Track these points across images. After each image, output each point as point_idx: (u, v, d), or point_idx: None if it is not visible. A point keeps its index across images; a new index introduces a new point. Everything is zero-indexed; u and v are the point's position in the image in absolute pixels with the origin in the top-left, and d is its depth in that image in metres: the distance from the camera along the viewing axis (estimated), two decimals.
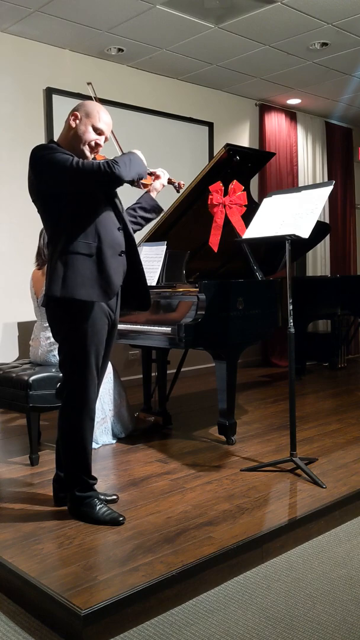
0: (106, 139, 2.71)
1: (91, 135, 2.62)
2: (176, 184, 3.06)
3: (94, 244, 2.56)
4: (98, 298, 2.56)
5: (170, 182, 3.03)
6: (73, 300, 2.53)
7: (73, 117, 2.63)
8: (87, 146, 2.63)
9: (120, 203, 2.77)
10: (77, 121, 2.62)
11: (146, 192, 2.96)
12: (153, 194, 2.97)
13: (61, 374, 3.29)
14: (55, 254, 2.58)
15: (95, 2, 4.43)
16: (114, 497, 2.86)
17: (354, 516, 2.88)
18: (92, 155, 2.67)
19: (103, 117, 2.66)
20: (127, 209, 2.89)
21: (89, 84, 3.02)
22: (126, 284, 2.74)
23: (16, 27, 4.86)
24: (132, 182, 2.67)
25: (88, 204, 2.58)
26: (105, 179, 2.50)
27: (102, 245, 2.58)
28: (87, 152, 2.64)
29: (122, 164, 2.52)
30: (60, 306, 2.58)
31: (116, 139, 2.76)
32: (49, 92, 5.24)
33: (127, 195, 2.98)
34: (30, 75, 5.15)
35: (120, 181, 2.54)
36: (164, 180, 2.97)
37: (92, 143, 2.63)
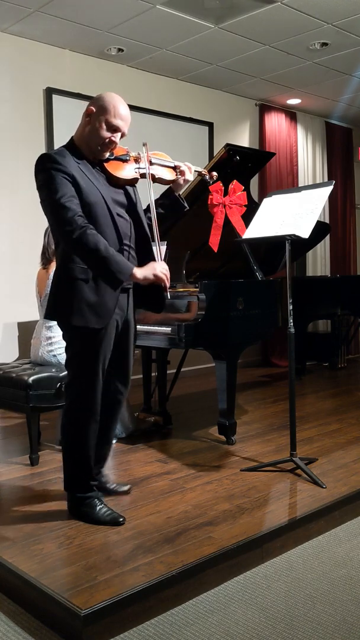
0: (123, 135, 2.53)
1: (104, 133, 2.47)
2: (207, 176, 2.90)
3: (89, 270, 2.46)
4: (93, 324, 2.48)
5: (200, 174, 2.90)
6: (71, 327, 2.52)
7: (87, 112, 2.49)
8: (100, 145, 2.50)
9: (139, 213, 2.66)
10: (92, 116, 2.48)
11: (168, 188, 2.79)
12: (177, 190, 2.79)
13: (65, 373, 3.33)
14: (57, 272, 2.56)
15: (95, 2, 4.43)
16: (127, 487, 2.93)
17: (354, 516, 2.88)
18: (108, 154, 2.56)
19: (120, 111, 2.47)
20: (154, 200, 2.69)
21: (144, 145, 2.67)
22: (143, 285, 2.63)
23: (16, 27, 4.86)
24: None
25: (95, 226, 2.44)
26: (65, 236, 2.39)
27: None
28: (101, 151, 2.52)
29: (93, 246, 2.34)
30: (61, 328, 2.62)
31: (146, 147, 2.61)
32: (49, 92, 5.24)
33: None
34: (30, 75, 5.15)
35: (71, 249, 2.42)
36: (188, 176, 2.77)
37: (106, 141, 2.49)
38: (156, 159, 2.73)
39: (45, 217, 2.56)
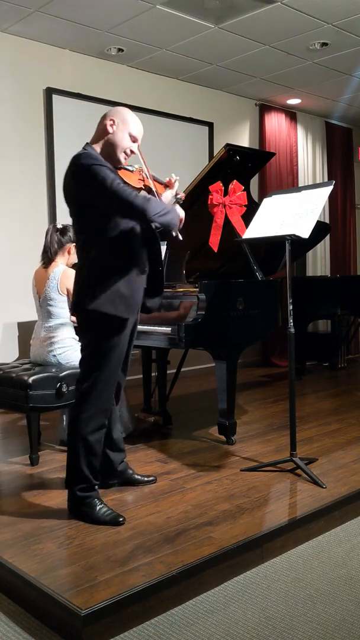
0: (138, 146, 2.78)
1: (127, 143, 2.69)
2: (179, 196, 3.03)
3: (123, 262, 2.64)
4: (123, 314, 2.64)
5: (176, 193, 3.03)
6: (100, 314, 2.61)
7: (111, 123, 2.67)
8: (123, 153, 2.70)
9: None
10: (115, 127, 2.67)
11: None
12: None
13: (65, 373, 3.40)
14: (86, 264, 2.64)
15: (95, 2, 4.43)
16: (153, 477, 3.09)
17: (354, 516, 2.88)
18: (125, 162, 2.74)
19: (137, 124, 2.73)
20: None
21: (137, 150, 2.83)
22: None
23: (16, 27, 4.86)
24: (156, 229, 2.69)
25: (124, 223, 2.63)
26: (134, 214, 2.56)
27: (130, 264, 2.66)
28: (122, 159, 2.72)
29: (157, 209, 2.57)
30: (88, 316, 2.65)
31: (140, 150, 2.79)
32: (49, 92, 5.24)
33: None
34: (30, 75, 5.15)
35: (146, 222, 2.60)
36: (174, 190, 2.98)
37: (128, 150, 2.71)
38: (153, 174, 2.93)
39: (71, 216, 2.68)
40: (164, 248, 3.97)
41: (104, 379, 2.65)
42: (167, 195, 2.96)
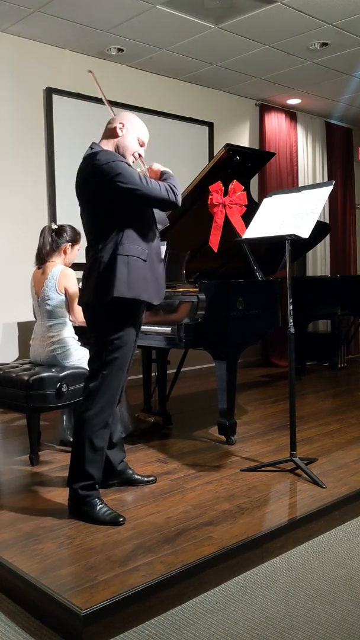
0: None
1: (136, 146, 2.79)
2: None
3: (146, 250, 2.70)
4: (155, 299, 2.74)
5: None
6: (134, 301, 2.66)
7: (120, 126, 2.74)
8: (131, 156, 2.78)
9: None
10: (125, 130, 2.75)
11: None
12: None
13: (66, 373, 3.40)
14: (107, 255, 2.64)
15: (95, 2, 4.43)
16: (153, 477, 3.09)
17: (354, 516, 2.88)
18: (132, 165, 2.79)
19: (145, 129, 2.83)
20: None
21: (89, 71, 3.12)
22: None
23: (16, 27, 4.86)
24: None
25: (143, 212, 2.73)
26: (167, 205, 2.72)
27: (151, 251, 2.73)
28: (131, 162, 2.76)
29: (178, 187, 2.72)
30: (112, 306, 2.65)
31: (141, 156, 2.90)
32: (49, 92, 5.24)
33: None
34: (30, 75, 5.15)
35: (176, 209, 2.83)
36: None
37: (136, 154, 2.80)
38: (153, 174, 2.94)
39: (82, 215, 2.75)
40: (163, 248, 3.96)
41: (112, 377, 2.67)
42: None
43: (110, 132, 2.77)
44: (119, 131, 2.75)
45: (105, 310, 2.67)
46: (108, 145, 2.75)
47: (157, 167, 2.89)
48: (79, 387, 3.38)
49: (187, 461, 3.43)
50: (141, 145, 2.83)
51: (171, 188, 2.68)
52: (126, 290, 2.62)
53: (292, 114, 7.20)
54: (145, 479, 3.08)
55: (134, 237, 2.67)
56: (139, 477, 3.07)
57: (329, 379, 6.08)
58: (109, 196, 2.62)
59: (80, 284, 2.84)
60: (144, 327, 3.72)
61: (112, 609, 1.99)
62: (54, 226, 3.60)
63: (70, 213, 4.20)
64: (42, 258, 3.57)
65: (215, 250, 4.03)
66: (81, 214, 2.77)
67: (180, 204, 2.74)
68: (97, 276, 2.66)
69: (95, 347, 2.73)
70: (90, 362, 2.77)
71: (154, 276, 2.74)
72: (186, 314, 3.62)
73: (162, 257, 2.87)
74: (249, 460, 3.43)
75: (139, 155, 2.81)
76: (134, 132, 2.78)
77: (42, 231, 3.60)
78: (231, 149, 4.07)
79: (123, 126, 2.75)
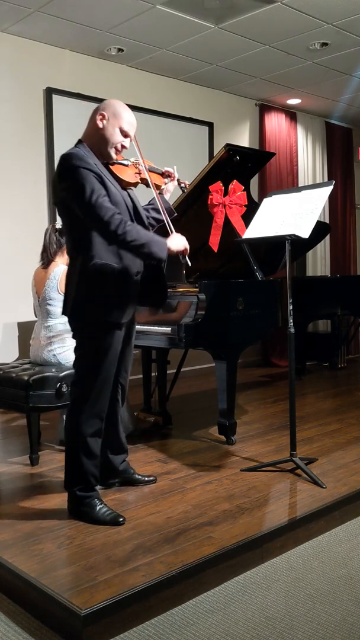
0: (131, 140, 2.70)
1: (118, 138, 2.62)
2: (182, 184, 3.05)
3: (115, 265, 2.57)
4: (118, 318, 2.60)
5: (178, 182, 3.02)
6: (93, 319, 2.58)
7: (100, 117, 2.60)
8: (113, 149, 2.63)
9: (141, 213, 2.76)
10: (105, 121, 2.60)
11: (159, 194, 2.90)
12: (166, 196, 2.96)
13: (65, 373, 3.38)
14: (76, 269, 2.58)
15: (95, 2, 4.43)
16: (153, 477, 3.07)
17: (354, 516, 2.88)
18: (116, 157, 2.68)
19: (129, 118, 2.64)
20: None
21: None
22: (144, 281, 2.75)
23: (16, 27, 4.86)
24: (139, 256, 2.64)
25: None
26: (107, 234, 2.49)
27: (122, 266, 2.59)
28: (113, 154, 2.65)
29: (134, 237, 2.49)
30: (80, 321, 2.63)
31: (137, 141, 2.72)
32: (49, 92, 5.24)
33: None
34: (30, 75, 5.15)
35: (116, 243, 2.52)
36: (175, 181, 2.96)
37: (119, 145, 2.63)
38: (149, 166, 2.86)
39: (59, 216, 2.63)
40: None
41: (98, 381, 2.62)
42: (169, 187, 2.94)
43: (92, 125, 2.63)
44: (98, 122, 2.59)
45: (76, 321, 2.66)
46: (90, 140, 2.62)
47: (169, 189, 2.88)
48: None
49: (187, 461, 3.43)
50: (125, 136, 2.64)
51: (121, 225, 2.45)
52: (84, 311, 2.57)
53: (292, 114, 7.20)
54: (146, 478, 3.07)
55: (101, 249, 2.54)
56: (140, 477, 3.07)
57: (329, 379, 6.08)
58: (69, 202, 2.52)
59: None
60: (144, 327, 3.73)
61: (112, 609, 1.99)
62: (58, 225, 3.61)
63: None
64: (49, 257, 3.58)
65: (215, 250, 4.03)
66: None
67: (125, 245, 2.50)
68: (66, 288, 2.65)
69: (76, 352, 2.69)
70: (74, 366, 2.73)
71: (124, 293, 2.60)
72: (186, 314, 3.62)
73: (140, 269, 2.68)
74: (249, 460, 3.43)
75: (122, 146, 2.65)
76: (116, 122, 2.60)
77: (47, 231, 3.62)
78: (231, 149, 4.06)
79: (103, 117, 2.59)
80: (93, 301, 2.56)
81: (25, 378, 3.32)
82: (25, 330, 5.06)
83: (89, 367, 2.63)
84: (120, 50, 5.32)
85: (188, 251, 2.75)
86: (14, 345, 5.12)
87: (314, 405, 4.85)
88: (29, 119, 5.16)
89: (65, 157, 2.52)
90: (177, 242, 2.70)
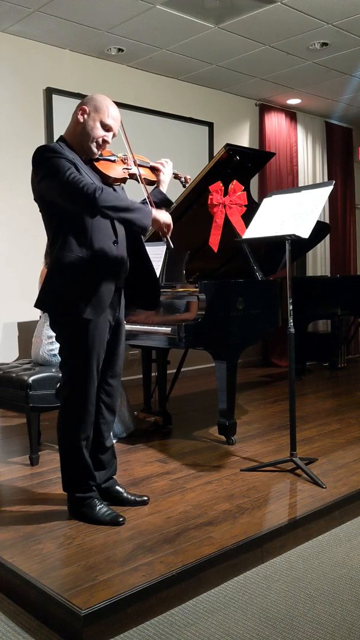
0: (114, 135, 2.64)
1: (99, 132, 2.55)
2: (182, 178, 2.99)
3: (87, 257, 2.49)
4: (89, 314, 2.49)
5: (176, 176, 2.96)
6: (65, 315, 2.52)
7: (81, 112, 2.55)
8: (94, 143, 2.57)
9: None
10: (85, 116, 2.54)
11: (155, 187, 2.83)
12: (163, 188, 2.83)
13: (61, 374, 3.31)
14: (52, 263, 2.55)
15: (95, 2, 4.43)
16: (146, 497, 2.82)
17: (354, 516, 2.88)
18: (99, 152, 2.62)
19: (112, 112, 2.57)
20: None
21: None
22: (133, 282, 2.71)
23: (16, 27, 4.86)
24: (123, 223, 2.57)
25: (82, 216, 2.49)
26: (86, 203, 2.38)
27: (95, 259, 2.51)
28: (95, 149, 2.58)
29: (114, 201, 2.41)
30: (54, 317, 2.59)
31: (125, 135, 2.65)
32: (49, 92, 5.24)
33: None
34: (30, 75, 5.15)
35: (94, 211, 2.40)
36: (168, 169, 2.83)
37: (100, 140, 2.57)
38: (139, 160, 2.78)
39: (41, 209, 2.57)
40: (163, 248, 3.97)
41: (84, 382, 2.56)
42: (164, 178, 2.81)
43: (72, 120, 2.58)
44: (79, 117, 2.54)
45: (51, 319, 2.60)
46: (71, 136, 2.57)
47: (165, 181, 2.78)
48: None
49: (187, 461, 3.43)
50: (107, 130, 2.56)
51: (95, 189, 2.35)
52: (54, 305, 2.52)
53: (292, 114, 7.20)
54: (137, 499, 2.79)
55: (72, 242, 2.48)
56: (130, 496, 2.80)
57: (329, 379, 6.08)
58: (46, 195, 2.47)
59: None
60: (144, 327, 3.73)
61: (112, 609, 1.99)
62: None
63: None
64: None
65: (215, 250, 4.03)
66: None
67: (100, 208, 2.39)
68: (47, 281, 2.57)
69: (60, 354, 2.66)
70: (60, 368, 2.68)
71: (96, 288, 2.50)
72: (186, 314, 3.62)
73: (124, 267, 2.61)
74: (249, 460, 3.43)
75: (104, 141, 2.57)
76: (97, 116, 2.53)
77: None
78: (231, 149, 4.06)
79: (84, 112, 2.53)
80: (62, 294, 2.50)
81: (25, 378, 3.32)
82: (25, 330, 5.06)
83: (73, 369, 2.58)
84: (120, 50, 5.32)
85: (171, 230, 2.65)
86: (14, 345, 5.12)
87: (314, 405, 4.85)
88: (29, 118, 5.16)
89: (37, 150, 2.48)
90: (164, 215, 2.62)
